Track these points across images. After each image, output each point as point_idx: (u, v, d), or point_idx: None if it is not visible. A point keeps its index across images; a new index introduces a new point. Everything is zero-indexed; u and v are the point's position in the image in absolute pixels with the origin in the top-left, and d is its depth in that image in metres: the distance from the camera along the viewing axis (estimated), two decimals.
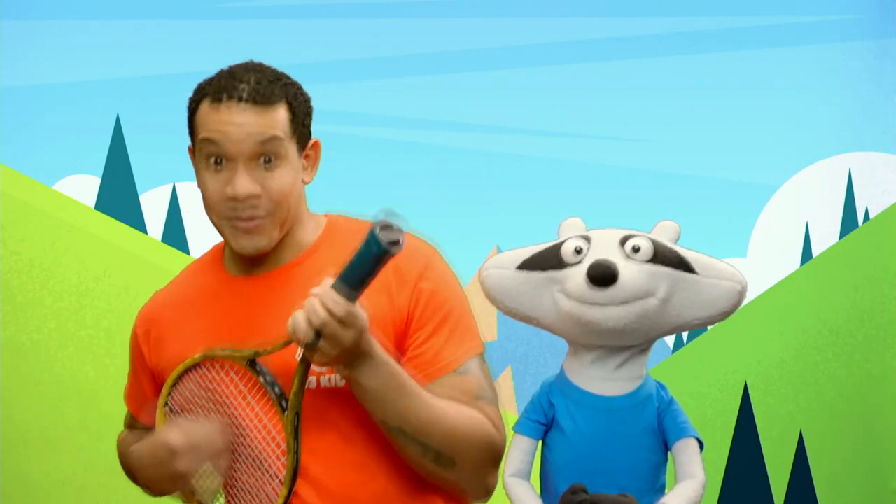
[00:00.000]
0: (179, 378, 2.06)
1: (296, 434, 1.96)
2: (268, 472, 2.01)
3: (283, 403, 1.96)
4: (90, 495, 4.34)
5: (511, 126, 5.40)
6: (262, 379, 1.97)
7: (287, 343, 1.93)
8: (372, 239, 1.80)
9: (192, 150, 2.10)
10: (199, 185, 2.07)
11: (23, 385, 4.37)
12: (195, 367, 2.05)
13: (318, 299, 1.84)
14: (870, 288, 5.23)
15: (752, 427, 5.17)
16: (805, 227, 5.56)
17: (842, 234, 5.51)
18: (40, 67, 5.16)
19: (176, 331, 2.12)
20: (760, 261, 5.49)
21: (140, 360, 2.20)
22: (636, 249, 1.82)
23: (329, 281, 1.85)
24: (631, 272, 1.79)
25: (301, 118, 2.07)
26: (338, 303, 1.82)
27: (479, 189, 5.12)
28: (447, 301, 2.03)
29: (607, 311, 1.80)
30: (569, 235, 1.87)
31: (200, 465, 1.99)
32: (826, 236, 5.54)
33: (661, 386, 1.90)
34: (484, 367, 2.06)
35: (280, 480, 1.99)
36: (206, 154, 2.04)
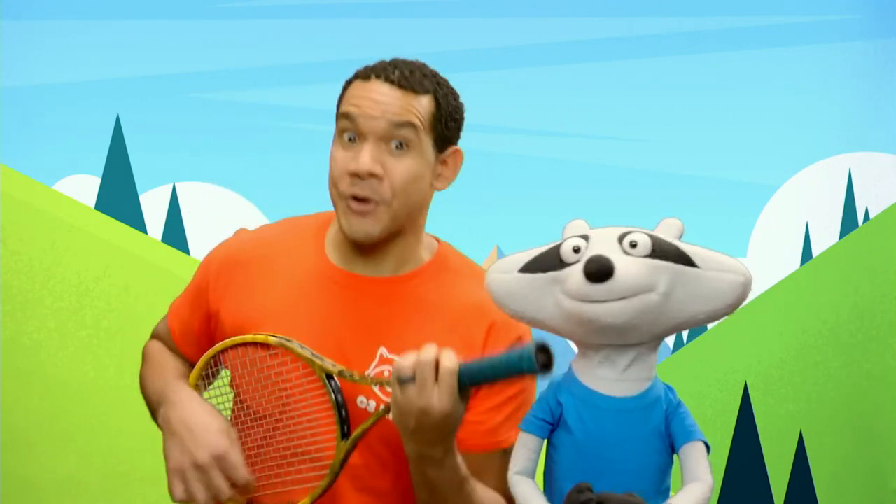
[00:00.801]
0: (241, 344, 2.01)
1: (343, 461, 1.95)
2: (289, 475, 2.00)
3: (345, 429, 1.95)
4: (90, 495, 4.34)
5: (511, 126, 5.41)
6: (332, 396, 1.94)
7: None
8: (526, 356, 1.79)
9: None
10: (329, 161, 2.02)
11: (23, 385, 4.37)
12: (263, 344, 2.00)
13: (443, 354, 1.82)
14: (870, 288, 5.23)
15: (752, 427, 5.17)
16: (805, 227, 5.56)
17: (842, 234, 5.51)
18: (40, 67, 5.16)
19: (255, 291, 2.06)
20: (760, 261, 5.49)
21: (203, 295, 2.12)
22: (633, 245, 1.82)
23: (456, 357, 1.82)
24: (627, 266, 1.79)
25: (445, 118, 2.03)
26: (451, 380, 1.80)
27: (479, 189, 5.12)
28: (523, 381, 2.02)
29: (606, 307, 1.79)
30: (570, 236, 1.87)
31: (199, 478, 1.96)
32: (826, 236, 5.54)
33: (669, 388, 1.90)
34: None
35: (305, 489, 1.97)
36: (341, 129, 2.00)
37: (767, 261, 5.54)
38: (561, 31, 5.46)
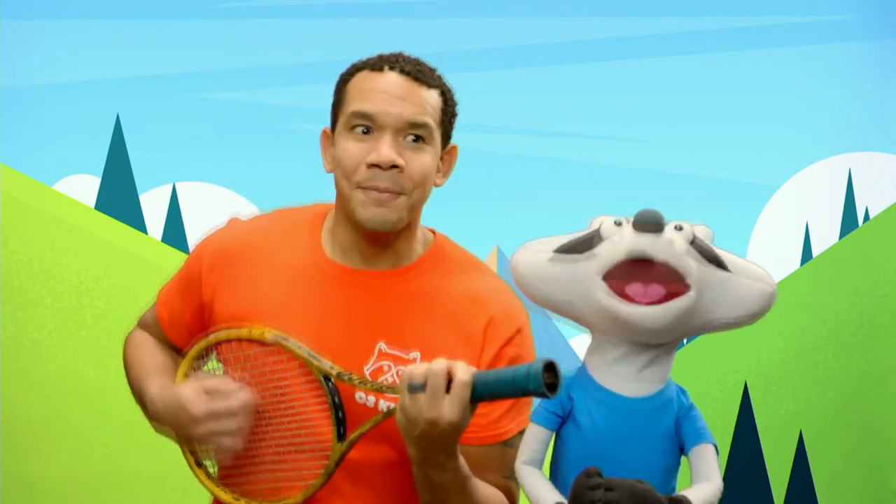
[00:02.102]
0: (237, 339, 1.99)
1: (339, 462, 1.94)
2: (282, 471, 1.98)
3: (341, 430, 1.93)
4: (90, 495, 4.34)
5: (511, 126, 5.41)
6: (329, 398, 1.93)
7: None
8: (534, 376, 1.77)
9: (330, 129, 2.03)
10: (338, 153, 1.98)
11: (23, 385, 4.37)
12: (258, 340, 1.97)
13: (456, 365, 1.80)
14: (870, 288, 5.23)
15: (752, 427, 5.18)
16: (805, 227, 5.56)
17: (842, 234, 5.51)
18: (40, 67, 5.16)
19: (251, 284, 2.04)
20: (760, 261, 5.50)
21: (195, 286, 2.09)
22: (678, 228, 1.82)
23: (469, 369, 1.81)
24: (675, 235, 1.80)
25: (450, 114, 2.04)
26: (464, 392, 1.79)
27: (479, 189, 5.12)
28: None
29: (644, 310, 1.78)
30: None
31: (216, 435, 1.94)
32: (826, 236, 5.54)
33: (681, 390, 1.89)
34: None
35: (298, 486, 1.96)
36: (354, 123, 1.97)
37: (767, 261, 5.54)
38: (561, 31, 5.46)
